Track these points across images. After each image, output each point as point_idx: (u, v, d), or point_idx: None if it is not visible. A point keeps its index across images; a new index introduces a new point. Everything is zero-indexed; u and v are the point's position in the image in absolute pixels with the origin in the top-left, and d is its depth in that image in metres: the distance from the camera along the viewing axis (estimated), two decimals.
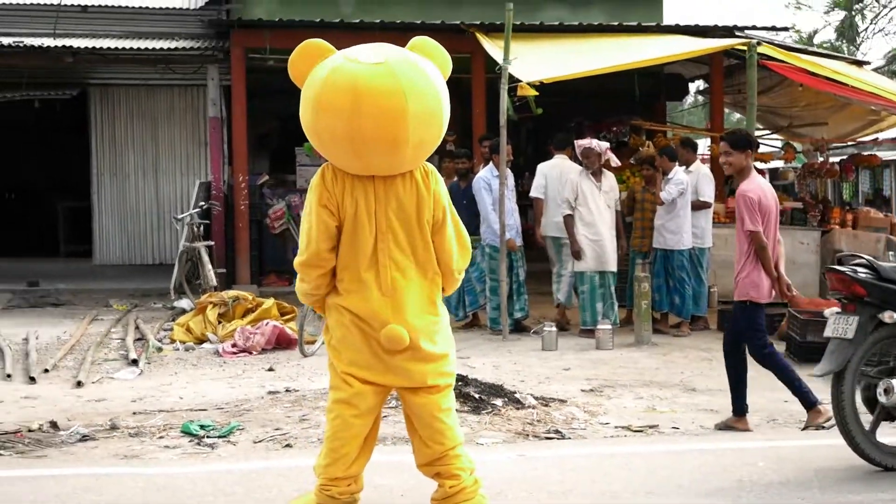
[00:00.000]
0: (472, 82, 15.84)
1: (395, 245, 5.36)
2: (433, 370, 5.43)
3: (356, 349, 5.38)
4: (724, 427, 8.17)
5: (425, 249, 5.45)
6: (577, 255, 12.21)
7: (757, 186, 8.15)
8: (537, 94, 12.13)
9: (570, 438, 7.87)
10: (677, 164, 12.76)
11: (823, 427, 7.96)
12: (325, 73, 5.22)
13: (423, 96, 5.20)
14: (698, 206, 12.71)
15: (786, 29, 17.85)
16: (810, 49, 20.14)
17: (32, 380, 9.91)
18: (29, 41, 16.09)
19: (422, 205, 5.40)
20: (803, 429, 8.16)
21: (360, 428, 5.43)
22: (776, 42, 15.35)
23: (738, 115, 20.08)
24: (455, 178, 13.17)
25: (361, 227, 5.33)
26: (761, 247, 7.99)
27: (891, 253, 13.94)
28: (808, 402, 8.13)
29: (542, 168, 13.27)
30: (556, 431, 8.01)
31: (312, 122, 5.28)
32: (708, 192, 12.89)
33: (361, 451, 5.49)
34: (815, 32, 40.51)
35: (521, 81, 12.09)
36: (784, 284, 8.25)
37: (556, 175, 12.96)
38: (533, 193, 13.23)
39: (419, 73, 5.24)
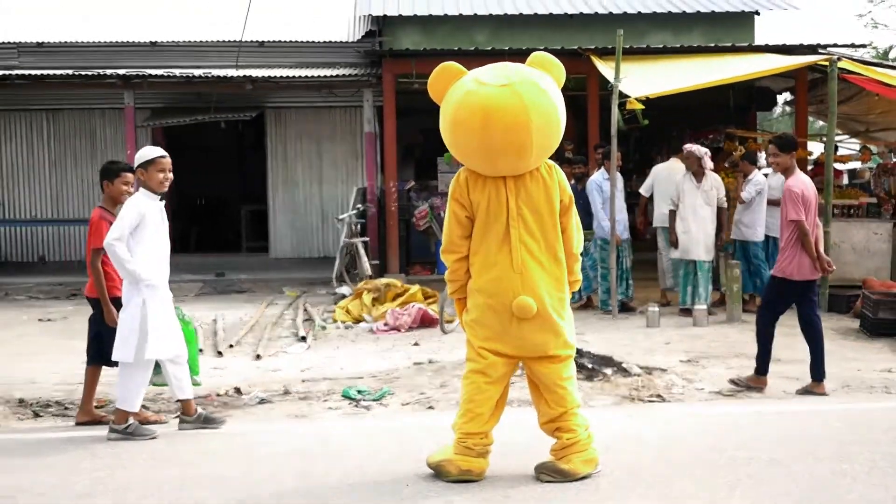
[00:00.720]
0: (588, 98, 15.78)
1: (524, 230, 5.48)
2: (555, 342, 5.52)
3: (489, 326, 5.50)
4: (804, 392, 8.11)
5: (552, 234, 5.55)
6: (673, 244, 12.21)
7: (801, 182, 8.18)
8: (644, 107, 12.09)
9: (669, 402, 7.87)
10: (757, 167, 12.71)
11: (752, 390, 8.13)
12: (459, 95, 5.39)
13: (543, 111, 5.32)
14: (777, 202, 12.59)
15: (864, 46, 17.37)
16: (885, 63, 19.56)
17: (220, 354, 10.19)
18: (216, 72, 16.50)
19: (550, 194, 5.53)
20: (732, 381, 8.30)
21: (492, 392, 5.54)
22: (855, 57, 14.97)
23: (820, 123, 19.61)
24: (572, 181, 13.20)
25: (494, 216, 5.48)
26: (804, 233, 8.02)
27: None
28: (764, 368, 8.26)
29: (654, 169, 13.22)
30: (658, 395, 8.02)
31: (451, 137, 5.47)
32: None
33: (493, 412, 5.59)
34: (891, 48, 39.08)
35: (629, 97, 12.07)
36: (824, 262, 8.21)
37: (664, 175, 12.94)
38: (640, 190, 13.25)
39: (539, 91, 5.35)
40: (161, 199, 6.94)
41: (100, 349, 7.23)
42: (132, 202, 6.79)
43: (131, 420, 6.79)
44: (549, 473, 5.56)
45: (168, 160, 6.89)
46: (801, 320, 8.31)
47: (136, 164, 6.90)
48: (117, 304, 7.00)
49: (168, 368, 6.89)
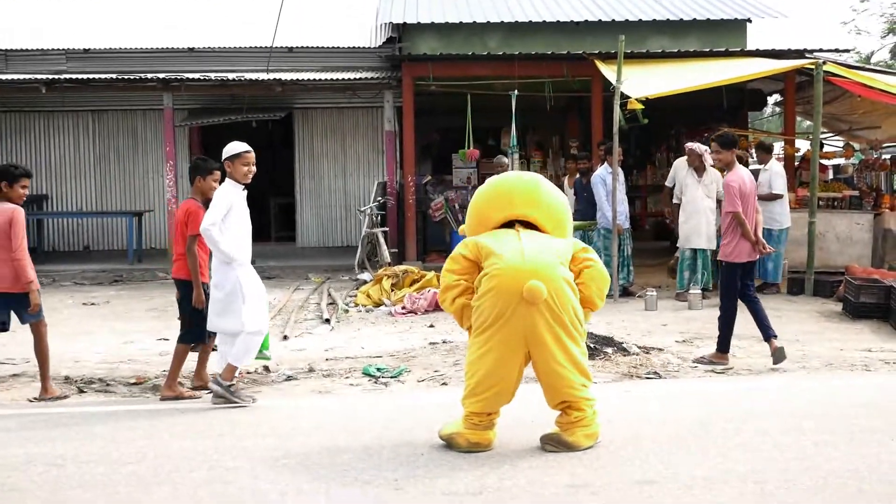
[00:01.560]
0: (592, 99, 15.71)
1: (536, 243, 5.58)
2: (555, 327, 5.45)
3: (495, 312, 5.42)
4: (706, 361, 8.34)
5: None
6: (676, 234, 12.25)
7: (739, 177, 8.46)
8: (644, 107, 12.05)
9: (665, 378, 7.86)
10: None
11: (715, 367, 8.16)
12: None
13: (552, 193, 5.82)
14: (771, 198, 12.55)
15: (847, 51, 17.21)
16: (868, 67, 19.46)
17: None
18: (248, 75, 16.52)
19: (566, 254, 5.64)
20: (697, 360, 8.37)
21: (501, 373, 5.47)
22: (839, 61, 14.86)
23: (807, 122, 19.50)
24: (577, 176, 13.21)
25: (508, 240, 5.57)
26: (741, 222, 8.33)
27: None
28: (726, 346, 8.34)
29: (675, 163, 13.15)
30: (655, 373, 8.01)
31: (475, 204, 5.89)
32: (779, 186, 12.71)
33: (504, 393, 5.54)
34: (873, 53, 38.86)
35: (630, 97, 12.04)
36: (762, 244, 8.51)
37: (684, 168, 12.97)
38: (667, 183, 13.15)
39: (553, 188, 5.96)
40: (244, 189, 7.16)
41: (193, 328, 7.35)
42: (222, 192, 7.02)
43: (234, 381, 6.99)
44: (553, 444, 5.56)
45: (252, 155, 7.13)
46: (741, 296, 8.50)
47: (223, 158, 7.14)
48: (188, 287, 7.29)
49: (245, 336, 6.97)
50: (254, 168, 7.12)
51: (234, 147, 7.11)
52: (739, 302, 8.46)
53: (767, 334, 8.35)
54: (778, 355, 8.16)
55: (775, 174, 12.82)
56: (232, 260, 6.94)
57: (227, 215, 6.94)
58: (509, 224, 5.75)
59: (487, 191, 5.85)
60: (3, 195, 7.18)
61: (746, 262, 8.47)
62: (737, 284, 8.45)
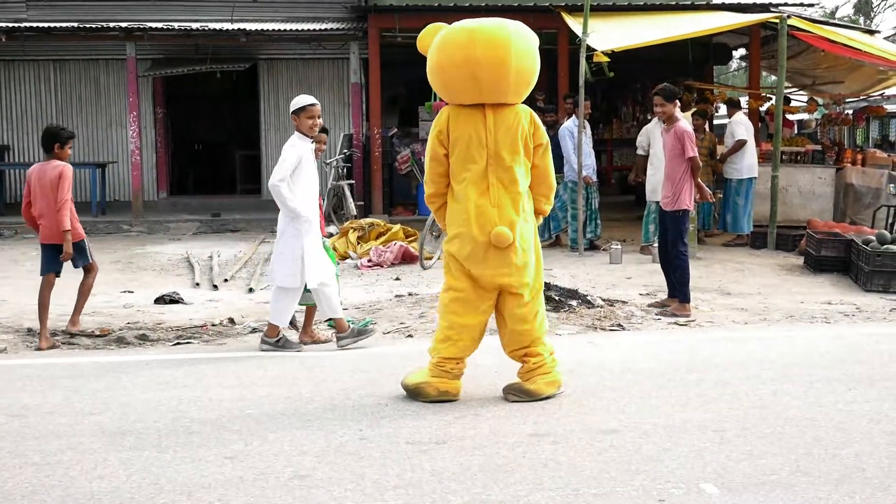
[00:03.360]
0: (558, 52, 15.65)
1: (500, 167, 5.53)
2: (519, 274, 5.57)
3: (469, 253, 5.53)
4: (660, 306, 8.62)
5: (525, 172, 5.62)
6: (641, 187, 12.36)
7: (688, 124, 8.74)
8: (609, 60, 12.02)
9: (629, 331, 7.93)
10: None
11: (678, 319, 8.27)
12: (446, 29, 5.59)
13: (522, 38, 5.51)
14: (737, 147, 12.75)
15: (812, 5, 17.26)
16: (832, 21, 19.53)
17: (215, 287, 10.17)
18: (212, 25, 16.28)
19: (525, 135, 5.58)
20: (665, 314, 8.46)
21: (471, 321, 5.59)
22: (804, 16, 14.89)
23: (773, 77, 19.58)
24: None
25: (473, 153, 5.54)
26: (697, 167, 8.52)
27: (891, 185, 13.66)
28: (685, 298, 8.47)
29: (645, 128, 13.11)
30: (619, 325, 8.07)
31: (438, 58, 5.56)
32: (739, 132, 12.95)
33: (473, 341, 5.66)
34: (837, 8, 39.04)
35: (596, 50, 12.00)
36: (706, 192, 8.92)
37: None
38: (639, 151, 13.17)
39: (521, 25, 5.56)
40: (312, 143, 7.18)
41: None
42: (290, 145, 7.04)
43: (281, 334, 7.20)
44: (515, 394, 5.62)
45: (317, 108, 7.11)
46: (670, 245, 8.67)
47: (291, 111, 7.15)
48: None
49: (319, 292, 7.08)
50: (319, 121, 7.13)
51: (299, 100, 7.14)
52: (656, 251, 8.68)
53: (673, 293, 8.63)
54: (664, 312, 8.45)
55: (736, 123, 13.00)
56: (299, 216, 7.00)
57: (297, 170, 6.99)
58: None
59: (452, 62, 5.47)
60: (55, 155, 7.74)
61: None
62: (686, 231, 8.65)
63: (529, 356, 5.64)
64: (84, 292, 8.01)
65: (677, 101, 11.97)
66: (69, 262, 7.83)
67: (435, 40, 5.60)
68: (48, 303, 7.65)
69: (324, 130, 7.54)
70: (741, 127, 12.93)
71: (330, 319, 7.51)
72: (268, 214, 16.54)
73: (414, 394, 5.65)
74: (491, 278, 5.54)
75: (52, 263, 7.75)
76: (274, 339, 7.16)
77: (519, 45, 5.44)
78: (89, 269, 8.08)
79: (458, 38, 5.45)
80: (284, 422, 5.25)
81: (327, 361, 6.76)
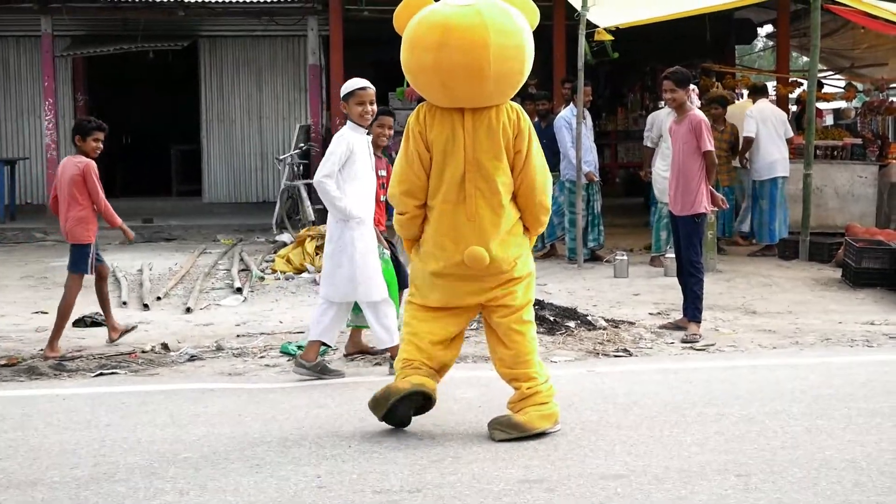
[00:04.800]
0: (554, 29, 15.71)
1: (480, 175, 5.55)
2: (504, 291, 5.64)
3: (438, 287, 5.68)
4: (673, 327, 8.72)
5: (507, 181, 5.62)
6: (647, 182, 12.52)
7: (703, 115, 8.78)
8: (613, 38, 12.07)
9: (636, 356, 7.94)
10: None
11: (694, 342, 8.30)
12: (419, 16, 5.51)
13: (505, 33, 5.40)
14: (744, 145, 12.98)
15: None
16: None
17: (146, 307, 10.10)
18: None
19: (507, 139, 5.58)
20: (670, 327, 8.73)
21: (436, 328, 5.74)
22: None
23: (805, 58, 19.74)
24: (536, 119, 13.20)
25: (451, 158, 5.57)
26: (713, 163, 8.62)
27: None
28: (696, 317, 8.56)
29: (652, 116, 13.23)
30: (624, 350, 8.08)
31: (407, 59, 5.56)
32: (748, 128, 13.08)
33: (444, 347, 5.76)
34: None
35: (598, 27, 12.04)
36: (717, 197, 8.85)
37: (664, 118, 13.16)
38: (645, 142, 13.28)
39: (503, 13, 5.44)
40: (368, 133, 7.25)
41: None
42: (340, 136, 7.11)
43: (320, 358, 7.26)
44: (502, 429, 5.61)
45: (369, 91, 7.13)
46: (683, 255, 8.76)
47: (340, 97, 7.23)
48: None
49: (370, 313, 7.17)
50: (371, 108, 7.14)
51: (349, 84, 7.21)
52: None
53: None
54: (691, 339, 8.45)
55: (747, 116, 13.08)
56: (349, 218, 7.02)
57: (349, 164, 7.02)
58: None
59: (421, 67, 5.49)
60: (78, 149, 8.36)
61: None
62: (702, 239, 8.72)
63: (522, 380, 5.66)
64: (63, 309, 8.29)
65: (692, 86, 12.10)
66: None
67: (408, 25, 5.57)
68: (71, 308, 8.30)
69: (387, 113, 7.78)
70: (751, 121, 13.01)
71: (287, 344, 7.50)
72: (210, 220, 16.55)
73: (383, 399, 5.64)
74: (462, 298, 5.67)
75: (76, 263, 8.35)
76: (311, 364, 7.15)
77: (501, 40, 5.37)
78: (101, 274, 8.63)
79: (428, 39, 5.40)
80: (228, 467, 5.21)
81: (279, 395, 6.72)
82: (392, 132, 7.89)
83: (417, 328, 5.76)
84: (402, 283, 7.68)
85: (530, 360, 5.70)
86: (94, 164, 8.34)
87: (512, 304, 5.67)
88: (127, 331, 8.60)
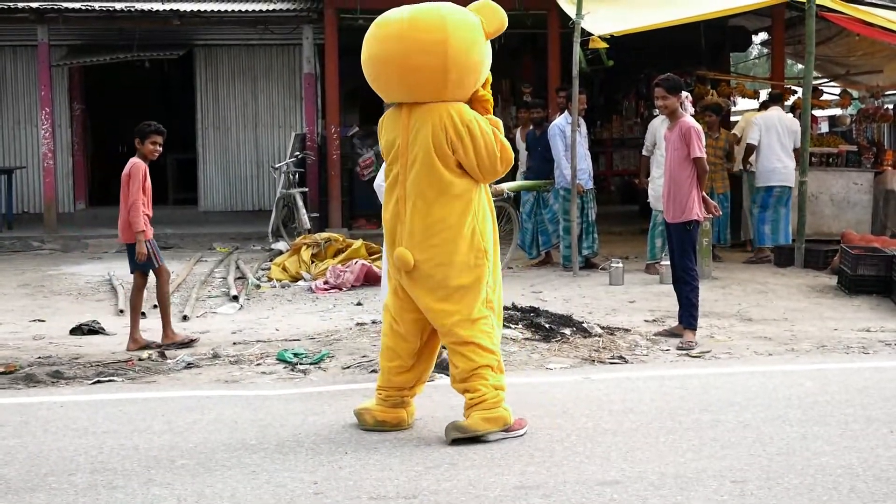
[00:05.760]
0: (548, 37, 15.75)
1: (414, 176, 5.68)
2: (441, 306, 5.71)
3: (391, 289, 5.93)
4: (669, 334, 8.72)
5: (448, 186, 5.68)
6: (644, 191, 12.47)
7: (695, 122, 8.80)
8: (608, 46, 12.09)
9: (632, 364, 7.93)
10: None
11: (689, 350, 8.28)
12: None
13: (461, 23, 5.60)
14: (747, 152, 13.07)
15: None
16: (867, 0, 19.70)
17: (143, 315, 10.13)
18: (139, 6, 16.29)
19: (442, 139, 5.64)
20: (665, 335, 8.74)
21: (401, 345, 5.88)
22: None
23: (800, 66, 19.78)
24: (531, 127, 13.24)
25: (395, 159, 5.77)
26: (704, 170, 8.63)
27: None
28: (691, 324, 8.57)
29: (652, 123, 13.27)
30: (620, 357, 8.07)
31: (367, 51, 5.74)
32: (749, 135, 13.32)
33: (409, 368, 5.92)
34: None
35: (593, 35, 12.06)
36: (711, 204, 8.87)
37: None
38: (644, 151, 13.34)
39: (460, 9, 5.67)
40: None
41: None
42: None
43: None
44: (453, 431, 5.70)
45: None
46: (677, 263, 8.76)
47: None
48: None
49: None
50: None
51: None
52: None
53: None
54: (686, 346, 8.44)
55: (751, 123, 13.36)
56: None
57: None
58: None
59: (367, 67, 5.78)
60: (138, 151, 8.73)
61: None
62: (695, 245, 8.76)
63: (470, 391, 5.75)
64: (161, 301, 8.82)
65: (685, 94, 12.14)
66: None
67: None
68: (139, 305, 8.73)
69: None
70: (755, 128, 13.20)
71: (284, 352, 7.48)
72: (207, 228, 16.56)
73: (359, 418, 5.99)
74: (405, 301, 5.86)
75: (132, 262, 8.74)
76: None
77: (458, 29, 5.57)
78: (158, 274, 8.84)
79: (391, 26, 5.63)
80: (225, 474, 5.21)
81: (275, 402, 6.73)
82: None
83: (383, 344, 5.98)
84: None
85: (479, 373, 5.71)
86: (141, 165, 8.65)
87: (445, 322, 5.71)
88: (184, 343, 8.67)
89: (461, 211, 5.70)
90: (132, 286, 8.86)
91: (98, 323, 9.38)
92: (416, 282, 5.70)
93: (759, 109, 14.43)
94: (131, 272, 8.90)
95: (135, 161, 8.68)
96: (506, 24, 5.79)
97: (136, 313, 8.69)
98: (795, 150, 13.03)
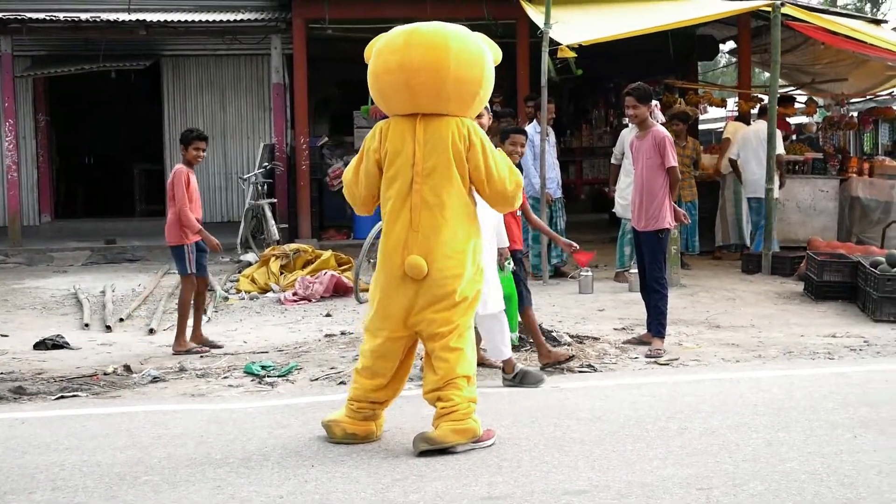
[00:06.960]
0: (517, 46, 15.77)
1: (427, 187, 5.71)
2: (442, 315, 5.75)
3: (383, 290, 5.84)
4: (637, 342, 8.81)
5: (459, 196, 5.78)
6: (610, 201, 12.54)
7: (666, 131, 8.94)
8: (576, 55, 12.14)
9: (601, 372, 7.95)
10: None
11: (658, 358, 8.35)
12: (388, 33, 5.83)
13: (464, 41, 5.72)
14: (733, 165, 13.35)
15: None
16: (831, 9, 19.90)
17: (108, 328, 10.06)
18: (105, 16, 16.22)
19: (458, 152, 5.75)
20: (635, 343, 8.83)
21: (379, 364, 5.90)
22: (800, 3, 15.16)
23: (767, 74, 19.89)
24: (500, 136, 13.23)
25: (402, 168, 5.74)
26: (677, 179, 8.76)
27: None
28: (660, 333, 8.64)
29: (622, 133, 13.38)
30: (589, 366, 8.09)
31: (374, 64, 5.80)
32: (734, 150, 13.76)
33: (386, 384, 5.94)
34: None
35: (561, 44, 12.10)
36: (680, 213, 9.01)
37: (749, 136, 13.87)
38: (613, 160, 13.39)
39: (463, 29, 5.78)
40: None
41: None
42: None
43: (518, 367, 7.46)
44: (419, 443, 5.71)
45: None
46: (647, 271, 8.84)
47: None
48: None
49: (484, 325, 7.24)
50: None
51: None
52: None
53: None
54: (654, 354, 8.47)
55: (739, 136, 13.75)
56: None
57: None
58: None
59: (386, 68, 5.76)
60: (183, 157, 9.18)
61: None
62: (665, 255, 8.82)
63: (443, 400, 5.76)
64: (180, 307, 9.09)
65: (654, 102, 12.23)
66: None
67: (375, 43, 5.87)
68: (188, 306, 8.99)
69: (520, 132, 8.11)
70: (733, 146, 13.98)
71: (251, 364, 7.44)
72: None
73: (328, 430, 5.97)
74: (398, 313, 5.79)
75: (179, 265, 9.12)
76: (511, 375, 7.39)
77: (460, 47, 5.66)
78: (185, 280, 9.11)
79: (394, 41, 5.73)
80: (189, 489, 5.18)
81: (242, 416, 6.70)
82: (524, 150, 8.15)
83: (362, 364, 5.96)
84: (522, 301, 7.86)
85: (455, 382, 5.75)
86: (184, 170, 9.00)
87: (442, 331, 5.76)
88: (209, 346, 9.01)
89: (470, 226, 5.86)
90: (180, 290, 9.20)
91: (62, 337, 9.30)
92: (424, 290, 5.71)
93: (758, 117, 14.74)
94: (180, 275, 9.23)
95: (178, 167, 9.05)
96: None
97: (184, 318, 8.96)
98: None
